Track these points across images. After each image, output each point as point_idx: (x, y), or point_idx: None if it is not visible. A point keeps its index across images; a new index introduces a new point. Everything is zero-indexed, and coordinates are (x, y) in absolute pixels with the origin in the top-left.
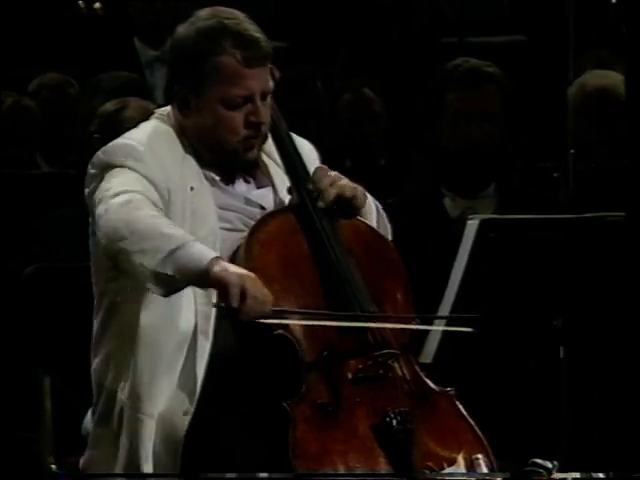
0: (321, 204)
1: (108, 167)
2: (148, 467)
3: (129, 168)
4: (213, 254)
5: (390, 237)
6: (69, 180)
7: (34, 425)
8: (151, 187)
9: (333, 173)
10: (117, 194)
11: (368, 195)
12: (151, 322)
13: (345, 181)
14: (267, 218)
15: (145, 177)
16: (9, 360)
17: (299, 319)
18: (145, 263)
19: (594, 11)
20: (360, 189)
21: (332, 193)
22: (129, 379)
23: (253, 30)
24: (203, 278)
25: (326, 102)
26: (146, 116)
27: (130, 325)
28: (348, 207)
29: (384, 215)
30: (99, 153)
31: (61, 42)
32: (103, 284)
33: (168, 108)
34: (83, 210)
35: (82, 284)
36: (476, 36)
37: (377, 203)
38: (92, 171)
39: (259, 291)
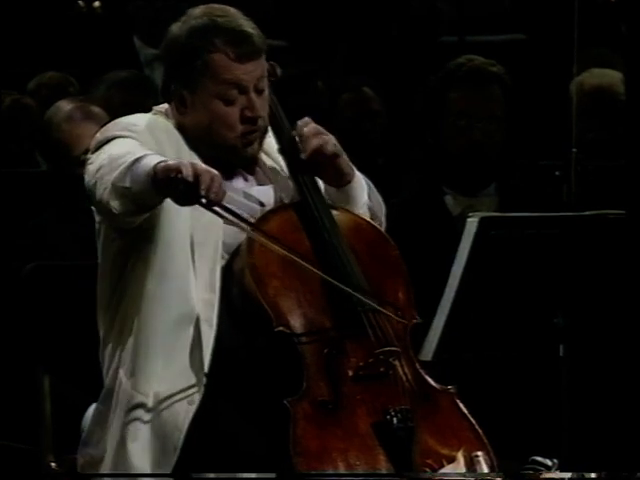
0: (303, 155)
1: (104, 143)
2: (136, 446)
3: (124, 137)
4: (163, 158)
5: (384, 211)
6: (68, 179)
7: (34, 425)
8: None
9: (315, 126)
10: (110, 146)
11: (357, 171)
12: (153, 310)
13: (329, 137)
14: (268, 215)
15: (138, 142)
16: (9, 359)
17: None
18: (110, 178)
19: (594, 10)
20: (345, 159)
21: (314, 143)
22: (130, 357)
23: (245, 26)
24: (153, 177)
25: (326, 101)
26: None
27: (134, 314)
28: (332, 167)
29: (375, 190)
30: (97, 135)
31: (61, 41)
32: (110, 279)
33: (166, 105)
34: (82, 209)
35: (82, 282)
36: (476, 34)
37: (367, 180)
38: (89, 156)
39: (208, 167)
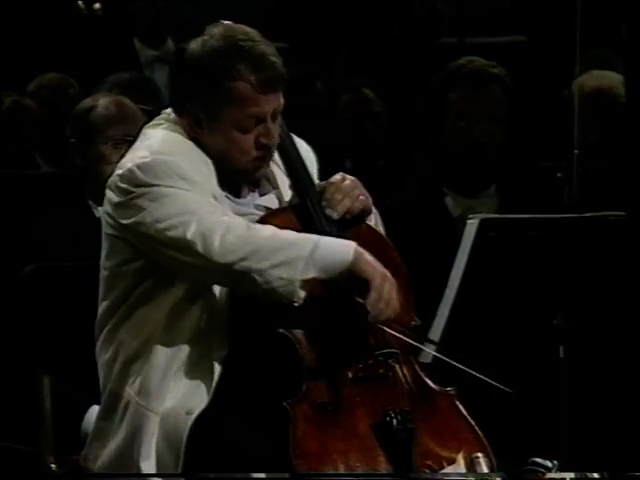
0: (334, 215)
1: (149, 186)
2: (149, 464)
3: (178, 188)
4: (353, 243)
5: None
6: (68, 180)
7: (34, 425)
8: (210, 200)
9: (346, 183)
10: (201, 219)
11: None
12: (168, 322)
13: (356, 192)
14: (266, 218)
15: (199, 194)
16: (9, 360)
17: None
18: (286, 275)
19: (594, 11)
20: (368, 197)
21: (343, 206)
22: (141, 376)
23: (269, 54)
24: (347, 269)
25: (326, 102)
26: (120, 110)
27: (146, 325)
28: (357, 217)
29: (379, 218)
30: (134, 169)
31: (61, 42)
32: (125, 290)
33: (171, 112)
34: (82, 209)
35: (82, 283)
36: (477, 36)
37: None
38: (123, 185)
39: (393, 298)
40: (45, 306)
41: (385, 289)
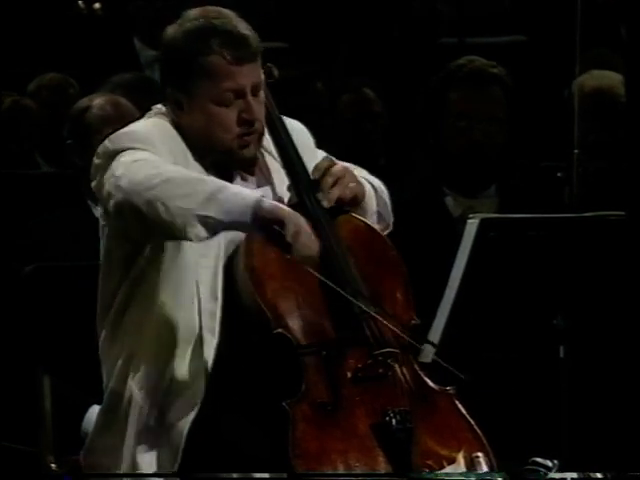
0: (324, 203)
1: (115, 154)
2: (149, 462)
3: (139, 149)
4: (257, 193)
5: (389, 208)
6: (68, 180)
7: (34, 425)
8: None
9: (336, 170)
10: (135, 160)
11: (364, 179)
12: (161, 317)
13: (347, 179)
14: None
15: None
16: (9, 360)
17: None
18: (184, 206)
19: (594, 11)
20: (360, 183)
21: (334, 194)
22: (139, 372)
23: (241, 27)
24: (252, 215)
25: (326, 102)
26: (116, 110)
27: (141, 320)
28: (349, 204)
29: (383, 191)
30: (105, 142)
31: (61, 42)
32: (116, 282)
33: (161, 107)
34: (82, 209)
35: (82, 283)
36: (477, 36)
37: (373, 181)
38: (97, 161)
39: (311, 233)
40: (45, 306)
41: (301, 222)
